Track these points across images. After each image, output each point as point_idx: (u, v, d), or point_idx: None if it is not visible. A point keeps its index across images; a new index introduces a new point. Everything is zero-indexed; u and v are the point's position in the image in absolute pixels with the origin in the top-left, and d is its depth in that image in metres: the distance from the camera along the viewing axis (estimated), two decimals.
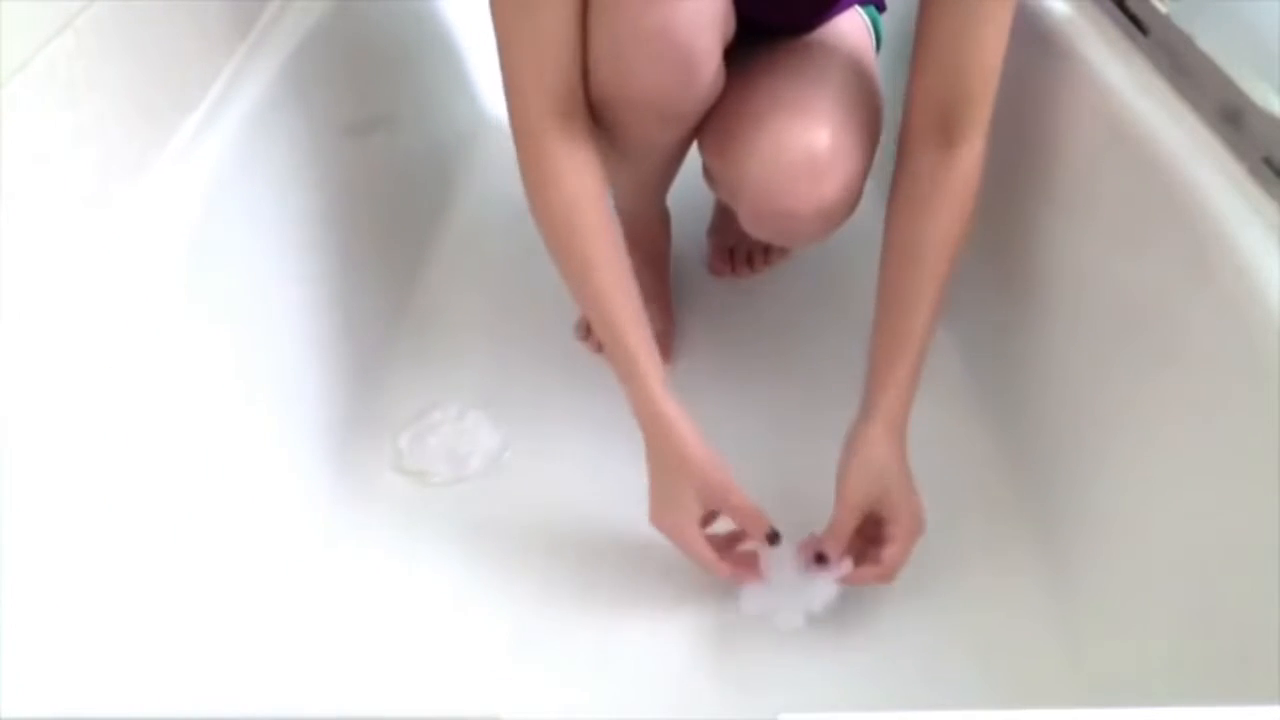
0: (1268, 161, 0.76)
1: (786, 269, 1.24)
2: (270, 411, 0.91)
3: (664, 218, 1.16)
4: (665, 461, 0.85)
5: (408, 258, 1.27)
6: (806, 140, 0.86)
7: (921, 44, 0.84)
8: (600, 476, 0.95)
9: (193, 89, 0.92)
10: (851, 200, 0.89)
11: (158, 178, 0.83)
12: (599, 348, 1.14)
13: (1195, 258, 0.76)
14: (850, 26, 0.99)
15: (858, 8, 1.01)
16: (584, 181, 0.85)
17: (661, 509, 0.87)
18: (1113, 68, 0.92)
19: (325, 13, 1.12)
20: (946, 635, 0.86)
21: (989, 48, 0.82)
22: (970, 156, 0.84)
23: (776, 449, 0.96)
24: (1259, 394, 0.68)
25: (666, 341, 1.14)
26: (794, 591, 0.85)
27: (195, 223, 0.83)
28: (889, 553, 0.83)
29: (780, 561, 0.85)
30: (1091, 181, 0.92)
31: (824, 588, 0.84)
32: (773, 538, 0.85)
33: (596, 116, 0.86)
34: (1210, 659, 0.69)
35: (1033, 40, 0.99)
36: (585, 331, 1.16)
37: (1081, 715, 0.62)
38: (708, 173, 1.02)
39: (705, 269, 1.25)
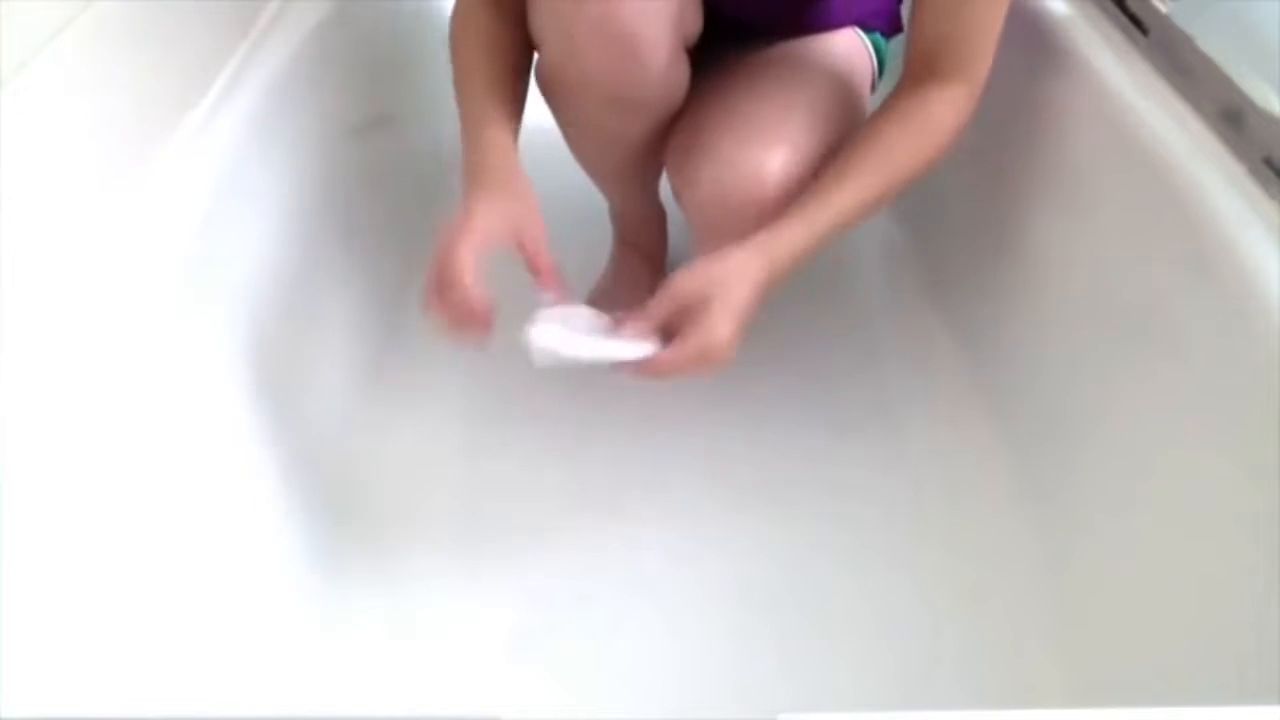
0: (1268, 161, 0.76)
1: None
2: (268, 409, 0.91)
3: (660, 215, 1.16)
4: (490, 171, 0.81)
5: (407, 256, 1.26)
6: (755, 166, 0.82)
7: None
8: (601, 475, 0.95)
9: (194, 88, 0.92)
10: None
11: (159, 176, 0.83)
12: None
13: (1195, 258, 0.76)
14: (845, 48, 0.95)
15: (859, 31, 0.97)
16: (500, 27, 0.84)
17: (460, 219, 0.80)
18: (1113, 68, 0.92)
19: (326, 12, 1.12)
20: (945, 633, 0.86)
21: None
22: (945, 97, 0.81)
23: (774, 446, 0.96)
24: (1259, 393, 0.68)
25: None
26: (589, 333, 0.78)
27: (196, 221, 0.83)
28: (666, 353, 0.76)
29: (579, 311, 0.80)
30: (1091, 181, 0.92)
31: (623, 346, 0.77)
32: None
33: (551, 100, 0.85)
34: (1209, 658, 0.69)
35: (1033, 40, 0.99)
36: None
37: (1081, 715, 0.62)
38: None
39: None
